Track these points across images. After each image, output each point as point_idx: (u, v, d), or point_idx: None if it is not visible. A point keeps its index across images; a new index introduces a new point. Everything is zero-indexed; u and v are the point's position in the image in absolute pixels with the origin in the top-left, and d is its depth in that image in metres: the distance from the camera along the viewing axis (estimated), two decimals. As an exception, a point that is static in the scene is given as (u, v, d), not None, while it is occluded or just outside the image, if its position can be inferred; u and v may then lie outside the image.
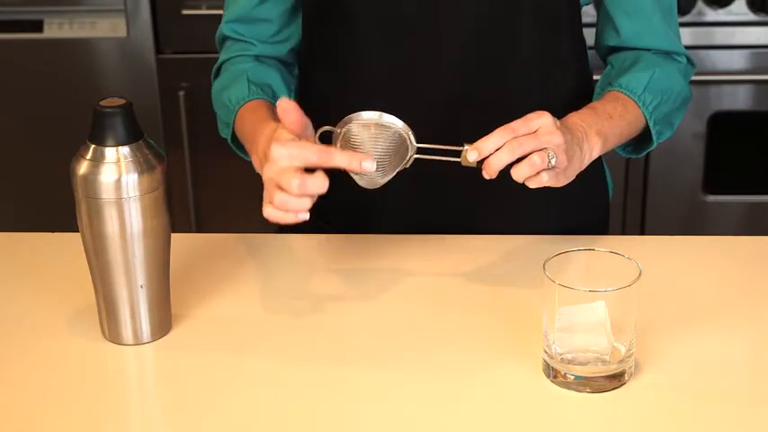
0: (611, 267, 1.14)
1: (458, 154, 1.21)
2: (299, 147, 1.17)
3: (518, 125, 1.19)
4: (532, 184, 1.20)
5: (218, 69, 1.52)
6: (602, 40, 1.50)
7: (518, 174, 1.19)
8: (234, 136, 1.45)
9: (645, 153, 1.47)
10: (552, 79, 1.43)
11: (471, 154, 1.19)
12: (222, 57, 1.51)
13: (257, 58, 1.48)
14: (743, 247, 1.44)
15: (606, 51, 1.50)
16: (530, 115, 1.21)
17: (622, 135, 1.38)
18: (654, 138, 1.43)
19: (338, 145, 1.21)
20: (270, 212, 1.18)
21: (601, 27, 1.50)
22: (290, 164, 1.16)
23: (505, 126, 1.19)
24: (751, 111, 2.50)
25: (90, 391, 1.15)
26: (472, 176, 1.33)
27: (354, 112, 1.22)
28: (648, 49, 1.45)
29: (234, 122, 1.43)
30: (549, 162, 1.19)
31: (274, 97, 1.43)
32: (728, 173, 2.58)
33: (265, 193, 1.19)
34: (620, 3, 1.44)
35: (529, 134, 1.19)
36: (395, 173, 1.23)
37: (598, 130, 1.31)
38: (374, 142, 1.21)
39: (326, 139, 1.22)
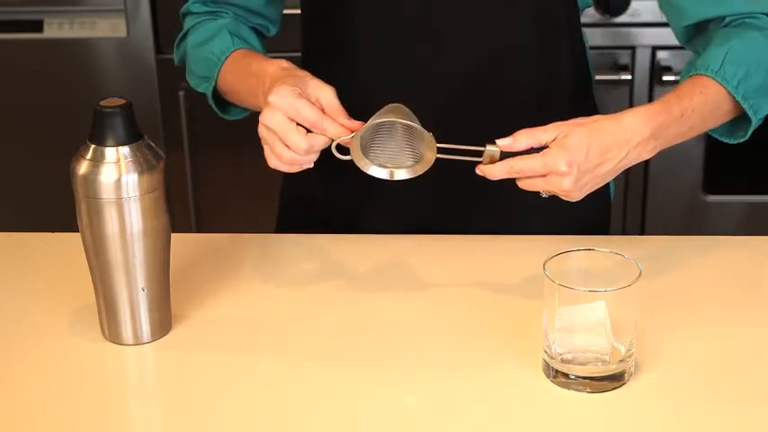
0: (611, 267, 1.14)
1: (479, 154, 1.22)
2: (299, 104, 1.22)
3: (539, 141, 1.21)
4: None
5: (185, 35, 1.51)
6: (673, 24, 1.40)
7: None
8: (214, 92, 1.45)
9: (749, 134, 1.36)
10: (551, 80, 1.43)
11: (478, 172, 1.22)
12: (188, 24, 1.51)
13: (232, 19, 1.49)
14: (743, 247, 1.44)
15: (686, 36, 1.40)
16: (556, 152, 1.19)
17: (691, 131, 1.30)
18: (750, 114, 1.31)
19: (359, 144, 1.22)
20: (276, 164, 1.25)
21: (666, 13, 1.41)
22: (286, 116, 1.21)
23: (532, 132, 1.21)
24: (751, 111, 2.50)
25: (90, 391, 1.15)
26: (472, 177, 1.33)
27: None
28: (722, 17, 1.35)
29: (218, 75, 1.43)
30: (541, 194, 1.23)
31: (255, 51, 1.44)
32: (728, 173, 2.58)
33: (267, 143, 1.24)
34: None
35: (540, 173, 1.20)
36: (412, 172, 1.24)
37: (657, 136, 1.24)
38: (395, 140, 1.24)
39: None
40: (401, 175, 1.25)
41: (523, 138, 1.20)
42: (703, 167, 2.52)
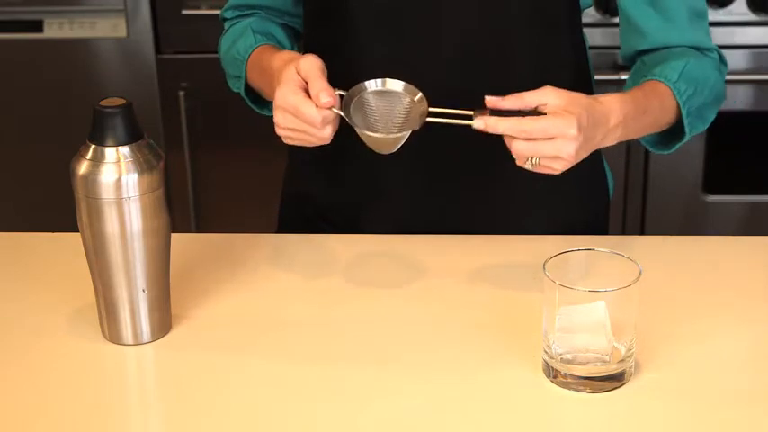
0: (611, 267, 1.14)
1: (469, 120, 1.22)
2: (297, 103, 1.23)
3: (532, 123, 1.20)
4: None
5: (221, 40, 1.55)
6: (627, 46, 1.46)
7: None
8: (247, 89, 1.48)
9: (675, 148, 1.43)
10: (552, 79, 1.43)
11: (478, 122, 1.20)
12: (225, 27, 1.55)
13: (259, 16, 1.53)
14: (743, 247, 1.44)
15: (634, 56, 1.46)
16: (557, 119, 1.19)
17: (645, 130, 1.36)
18: (686, 129, 1.38)
19: (350, 112, 1.23)
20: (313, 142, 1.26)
21: (624, 34, 1.46)
22: (293, 115, 1.23)
23: (518, 98, 1.20)
24: (751, 111, 2.50)
25: (90, 391, 1.15)
26: (472, 177, 1.34)
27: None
28: (678, 46, 1.42)
29: (245, 73, 1.46)
30: (531, 161, 1.21)
31: (279, 45, 1.47)
32: (728, 173, 2.58)
33: (295, 140, 1.26)
34: (642, 4, 1.42)
35: (550, 136, 1.19)
36: (407, 131, 1.23)
37: (625, 124, 1.28)
38: (385, 109, 1.24)
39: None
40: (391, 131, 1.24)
41: (511, 98, 1.20)
42: (703, 167, 2.52)
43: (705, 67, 1.41)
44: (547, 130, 1.19)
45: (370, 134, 1.22)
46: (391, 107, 1.25)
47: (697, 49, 1.42)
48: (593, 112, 1.23)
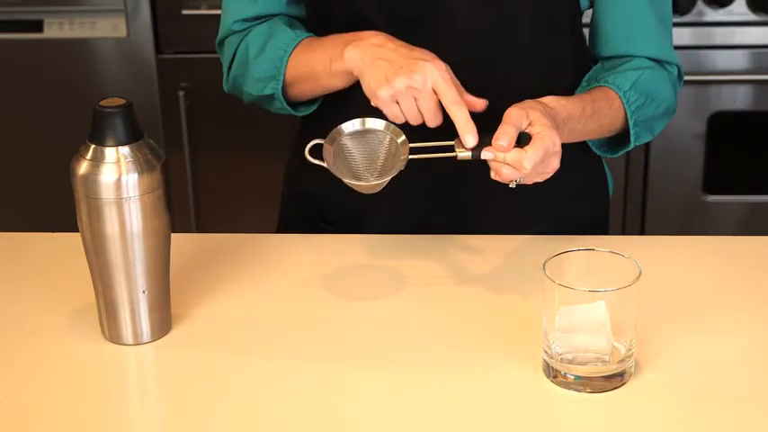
0: (611, 267, 1.14)
1: (452, 149, 1.23)
2: (452, 84, 1.26)
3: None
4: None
5: (232, 61, 1.47)
6: (594, 51, 1.49)
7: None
8: (283, 89, 1.42)
9: (620, 154, 1.48)
10: (552, 81, 1.43)
11: (486, 154, 1.21)
12: (230, 46, 1.47)
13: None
14: (743, 247, 1.44)
15: (597, 60, 1.50)
16: (548, 146, 1.21)
17: (593, 133, 1.39)
18: (632, 138, 1.42)
19: (332, 160, 1.22)
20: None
21: (591, 37, 1.49)
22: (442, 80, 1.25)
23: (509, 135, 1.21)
24: (751, 111, 2.50)
25: (90, 391, 1.15)
26: (472, 177, 1.34)
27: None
28: (640, 56, 1.45)
29: (286, 67, 1.40)
30: (514, 181, 1.22)
31: None
32: (728, 173, 2.58)
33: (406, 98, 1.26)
34: (613, 11, 1.44)
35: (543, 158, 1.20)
36: (392, 176, 1.23)
37: (571, 128, 1.31)
38: (366, 150, 1.24)
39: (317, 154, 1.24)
40: (372, 180, 1.23)
41: (506, 138, 1.21)
42: (703, 167, 2.53)
43: (659, 81, 1.43)
44: (544, 154, 1.20)
45: (355, 183, 1.22)
46: (371, 148, 1.24)
47: (658, 61, 1.45)
48: (554, 116, 1.26)
